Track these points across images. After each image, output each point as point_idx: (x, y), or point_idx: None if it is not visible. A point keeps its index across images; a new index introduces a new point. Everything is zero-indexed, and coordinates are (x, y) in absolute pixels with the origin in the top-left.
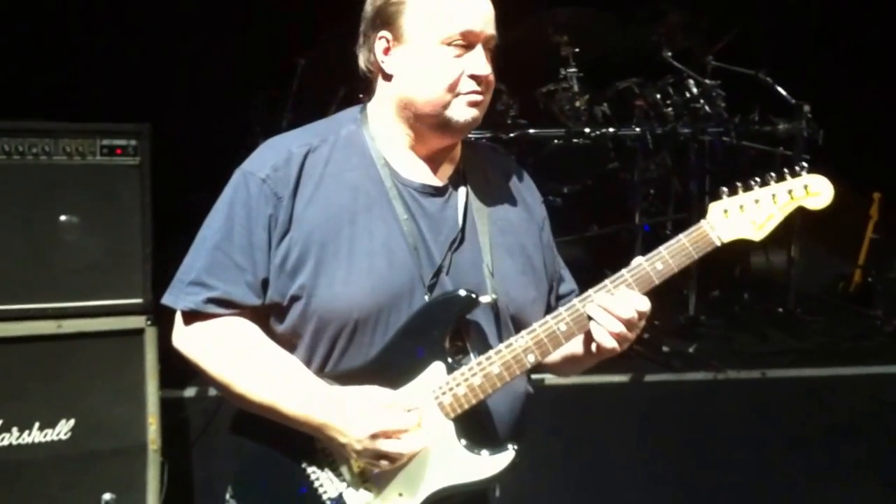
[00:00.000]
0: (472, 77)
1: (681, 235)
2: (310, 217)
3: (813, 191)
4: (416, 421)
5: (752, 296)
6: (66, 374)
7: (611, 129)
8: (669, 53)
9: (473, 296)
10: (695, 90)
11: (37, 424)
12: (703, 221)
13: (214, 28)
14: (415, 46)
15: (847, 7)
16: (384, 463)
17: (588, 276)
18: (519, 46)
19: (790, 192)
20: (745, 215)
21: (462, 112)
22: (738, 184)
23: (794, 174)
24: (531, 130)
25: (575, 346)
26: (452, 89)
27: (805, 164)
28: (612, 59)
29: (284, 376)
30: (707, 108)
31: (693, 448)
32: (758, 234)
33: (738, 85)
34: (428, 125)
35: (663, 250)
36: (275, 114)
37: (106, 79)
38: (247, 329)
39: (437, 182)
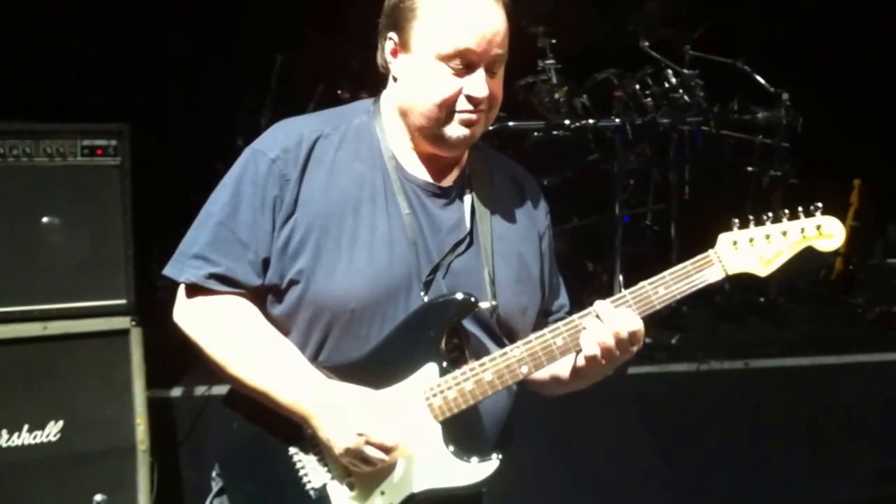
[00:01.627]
0: (469, 97)
1: (687, 263)
2: (315, 202)
3: (826, 232)
4: (403, 431)
5: (734, 286)
6: (53, 376)
7: (590, 121)
8: (647, 43)
9: (472, 300)
10: (673, 80)
11: (25, 426)
12: (710, 251)
13: (198, 28)
14: (416, 57)
15: None
16: (364, 465)
17: (570, 268)
18: None
19: (802, 230)
20: (754, 250)
21: (454, 129)
22: (750, 217)
23: (809, 213)
24: (511, 123)
25: (562, 367)
26: (447, 106)
27: (820, 205)
28: (591, 50)
29: (280, 363)
30: (686, 97)
31: (677, 438)
32: (764, 270)
33: (717, 74)
34: (423, 135)
35: (668, 275)
36: (254, 113)
37: (87, 79)
38: (247, 310)
39: (441, 183)
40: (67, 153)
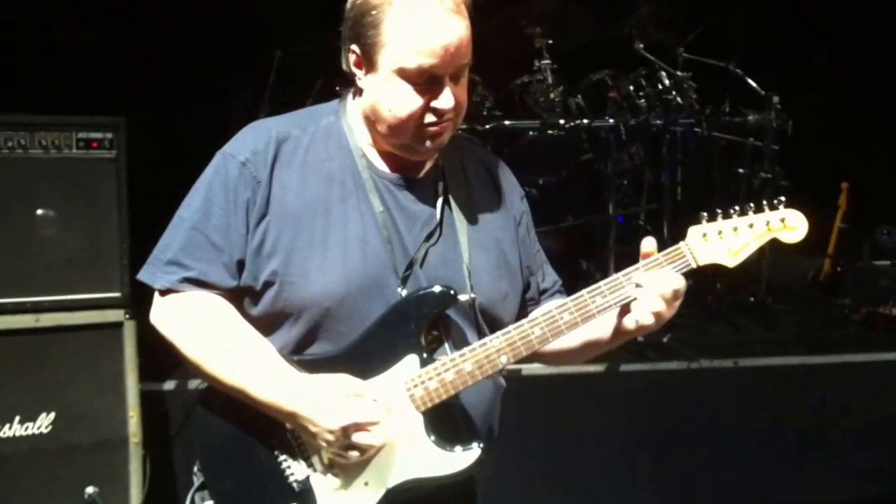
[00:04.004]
0: (435, 110)
1: (659, 255)
2: (287, 203)
3: (789, 224)
4: (385, 412)
5: (724, 286)
6: (46, 368)
7: (585, 121)
8: (641, 45)
9: (451, 293)
10: (667, 82)
11: (17, 418)
12: (681, 243)
13: (197, 21)
14: (380, 75)
15: None
16: (353, 454)
17: (563, 266)
18: (493, 38)
19: (767, 223)
20: (722, 242)
21: (423, 141)
22: (718, 210)
23: (773, 207)
24: (506, 122)
25: (600, 330)
26: (414, 121)
27: (783, 199)
28: (586, 51)
29: (257, 361)
30: (679, 99)
31: (667, 435)
32: (732, 260)
33: (709, 77)
34: (391, 145)
35: (641, 267)
36: (252, 107)
37: (84, 72)
38: (222, 309)
39: (414, 176)
40: (63, 146)
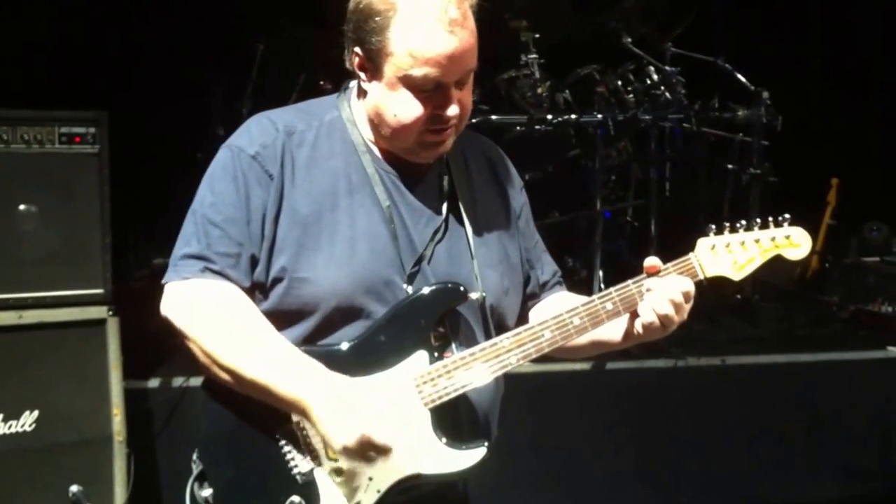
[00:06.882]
0: (440, 117)
1: (669, 265)
2: (295, 200)
3: (794, 241)
4: (393, 417)
5: (710, 283)
6: (29, 366)
7: (572, 116)
8: (629, 40)
9: (462, 289)
10: (655, 77)
11: (0, 417)
12: (691, 255)
13: (179, 15)
14: (385, 79)
15: None
16: (361, 461)
17: None
18: (478, 31)
19: (773, 239)
20: (730, 255)
21: (426, 146)
22: (726, 224)
23: (778, 224)
24: (493, 117)
25: (609, 333)
26: (418, 126)
27: (788, 216)
28: (573, 45)
29: (280, 356)
30: (667, 94)
31: (654, 434)
32: (737, 274)
33: (698, 72)
34: (393, 148)
35: (652, 275)
36: (233, 102)
37: (66, 66)
38: (240, 299)
39: (418, 169)
40: (45, 141)
